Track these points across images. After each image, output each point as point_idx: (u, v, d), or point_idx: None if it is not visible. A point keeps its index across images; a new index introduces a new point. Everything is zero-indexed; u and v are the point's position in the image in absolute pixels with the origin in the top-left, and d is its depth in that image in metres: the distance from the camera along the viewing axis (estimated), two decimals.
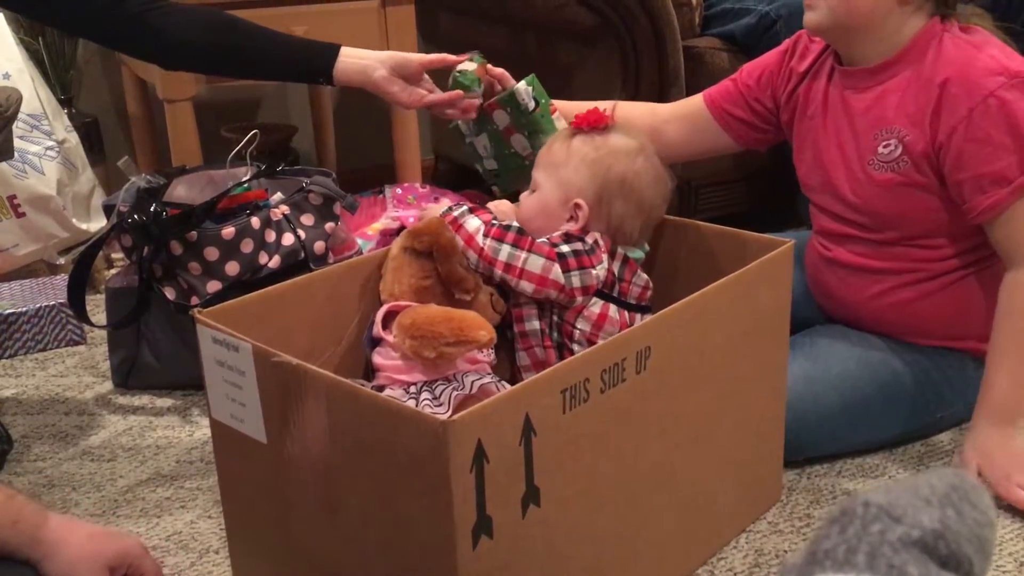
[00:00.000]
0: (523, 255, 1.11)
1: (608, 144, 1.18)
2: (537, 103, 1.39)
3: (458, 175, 2.64)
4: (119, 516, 1.31)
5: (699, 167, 1.96)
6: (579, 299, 1.13)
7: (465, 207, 1.18)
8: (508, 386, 1.05)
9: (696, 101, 1.51)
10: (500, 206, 1.35)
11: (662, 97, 1.99)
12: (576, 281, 1.12)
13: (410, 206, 2.14)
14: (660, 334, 1.01)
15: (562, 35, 2.08)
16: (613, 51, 1.96)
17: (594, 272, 1.13)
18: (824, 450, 1.36)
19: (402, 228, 2.03)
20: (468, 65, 1.40)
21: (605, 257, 1.15)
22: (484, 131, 1.45)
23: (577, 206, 1.17)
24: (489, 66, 1.41)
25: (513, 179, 1.48)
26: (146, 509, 1.32)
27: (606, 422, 0.96)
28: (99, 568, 0.91)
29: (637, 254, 1.21)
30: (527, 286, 1.12)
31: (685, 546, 1.15)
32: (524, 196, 1.25)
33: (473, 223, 1.15)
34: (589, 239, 1.15)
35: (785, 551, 1.20)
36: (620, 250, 1.18)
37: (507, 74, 1.42)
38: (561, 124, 1.40)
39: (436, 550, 0.86)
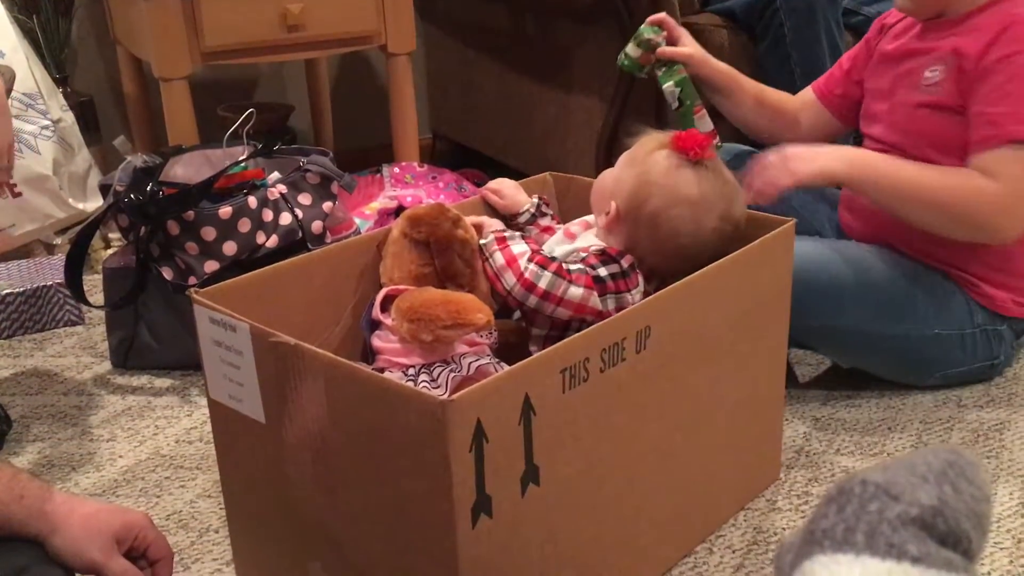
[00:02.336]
0: (564, 284, 1.07)
1: (674, 177, 1.13)
2: (681, 104, 1.49)
3: (456, 154, 2.63)
4: (119, 496, 1.31)
5: None
6: None
7: (517, 234, 1.15)
8: (507, 367, 1.05)
9: (809, 91, 1.62)
10: (503, 184, 1.33)
11: None
12: (611, 304, 1.09)
13: (408, 185, 2.13)
14: (660, 314, 1.01)
15: (561, 13, 2.07)
16: (612, 29, 1.95)
17: (629, 296, 1.10)
18: (824, 319, 1.40)
19: (400, 208, 2.03)
20: (632, 51, 1.54)
21: (641, 281, 1.12)
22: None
23: (610, 207, 1.16)
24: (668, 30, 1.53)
25: None
26: (146, 489, 1.32)
27: (606, 401, 0.96)
28: (106, 541, 0.91)
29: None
30: (564, 312, 1.08)
31: (684, 524, 1.15)
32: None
33: (520, 247, 1.11)
34: (625, 262, 1.12)
35: (783, 529, 1.20)
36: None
37: (682, 37, 1.53)
38: (707, 125, 1.49)
39: (436, 529, 0.86)
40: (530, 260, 1.08)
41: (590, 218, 1.26)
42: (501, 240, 1.12)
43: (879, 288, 1.41)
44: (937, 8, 1.38)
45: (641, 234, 1.15)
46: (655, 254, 1.15)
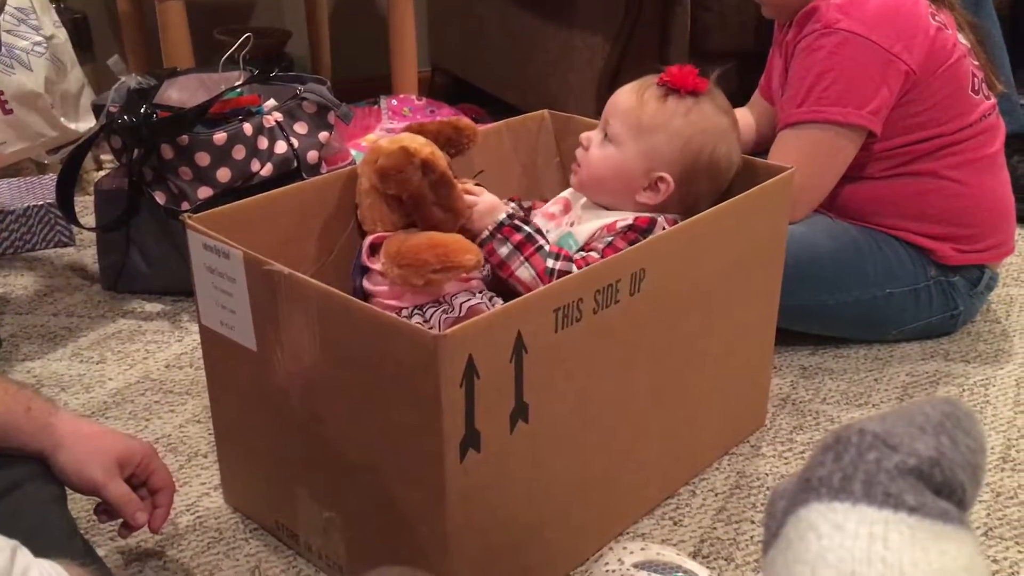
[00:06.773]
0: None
1: (705, 118, 1.12)
2: None
3: (455, 88, 2.60)
4: (108, 418, 1.31)
5: None
6: None
7: (531, 228, 1.10)
8: (502, 302, 1.04)
9: (755, 94, 1.63)
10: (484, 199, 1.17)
11: (666, 16, 1.95)
12: None
13: (405, 118, 2.11)
14: (655, 257, 1.00)
15: None
16: None
17: None
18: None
19: None
20: None
21: None
22: None
23: (662, 179, 1.12)
24: None
25: None
26: (135, 412, 1.33)
27: (597, 342, 0.96)
28: (108, 462, 0.89)
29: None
30: None
31: (669, 466, 1.16)
32: (595, 143, 1.16)
33: (548, 258, 1.07)
34: (658, 230, 1.09)
35: (766, 474, 1.22)
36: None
37: None
38: None
39: (424, 462, 0.86)
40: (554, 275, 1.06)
41: (567, 194, 1.23)
42: (524, 246, 1.07)
43: (823, 263, 1.40)
44: (788, 13, 1.45)
45: (700, 184, 1.14)
46: (711, 195, 1.15)
